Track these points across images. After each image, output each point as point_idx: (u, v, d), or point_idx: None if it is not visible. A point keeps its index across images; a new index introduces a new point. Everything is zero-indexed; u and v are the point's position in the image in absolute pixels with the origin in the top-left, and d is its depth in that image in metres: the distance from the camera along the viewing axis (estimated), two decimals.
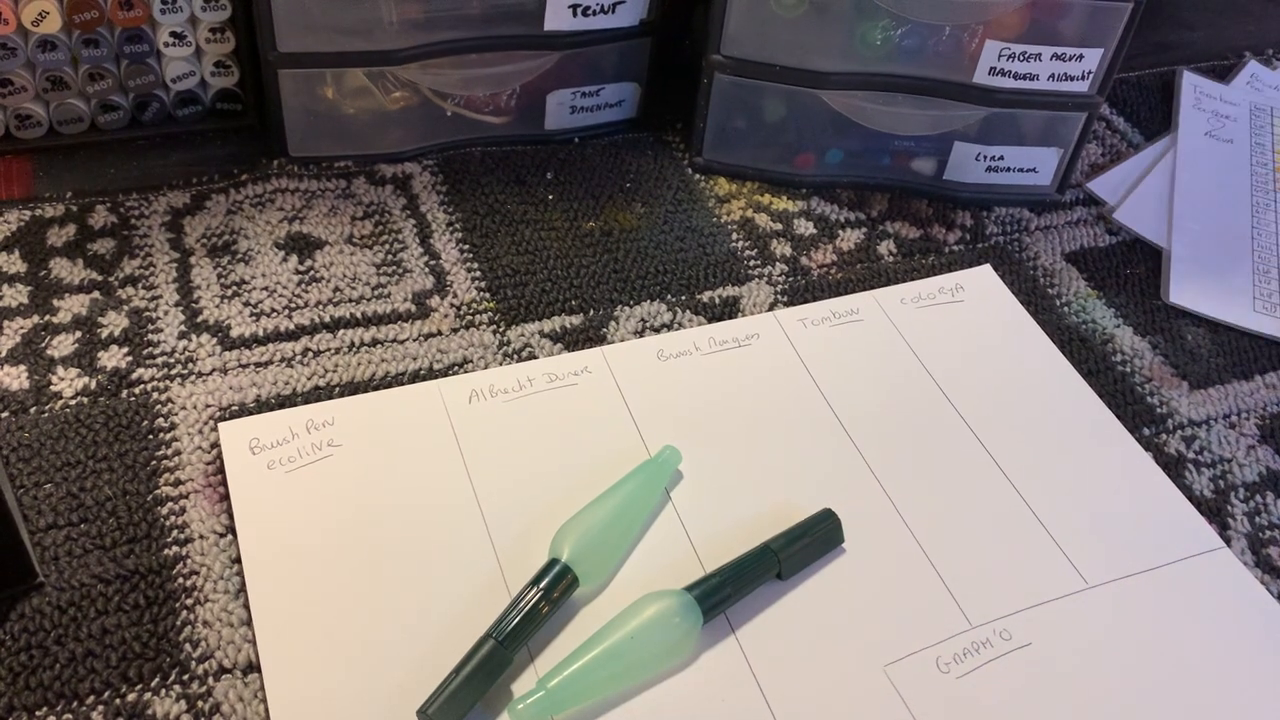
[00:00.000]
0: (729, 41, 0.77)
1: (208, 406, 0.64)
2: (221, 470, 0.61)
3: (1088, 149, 0.89)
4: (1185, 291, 0.76)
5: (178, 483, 0.60)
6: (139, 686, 0.52)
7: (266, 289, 0.71)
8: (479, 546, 0.58)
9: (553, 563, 0.55)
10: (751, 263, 0.77)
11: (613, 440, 0.64)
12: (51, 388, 0.64)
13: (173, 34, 0.76)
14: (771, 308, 0.74)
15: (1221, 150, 0.86)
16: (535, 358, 0.69)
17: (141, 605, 0.55)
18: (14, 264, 0.71)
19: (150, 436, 0.62)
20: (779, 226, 0.80)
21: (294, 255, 0.73)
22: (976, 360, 0.71)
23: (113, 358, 0.66)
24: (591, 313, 0.72)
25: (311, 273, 0.73)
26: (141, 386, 0.65)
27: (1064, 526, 0.62)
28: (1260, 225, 0.79)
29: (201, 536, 0.58)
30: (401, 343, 0.69)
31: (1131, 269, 0.80)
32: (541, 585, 0.54)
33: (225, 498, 0.60)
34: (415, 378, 0.67)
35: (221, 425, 0.62)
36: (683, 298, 0.74)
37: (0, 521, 0.53)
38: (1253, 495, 0.66)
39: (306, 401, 0.65)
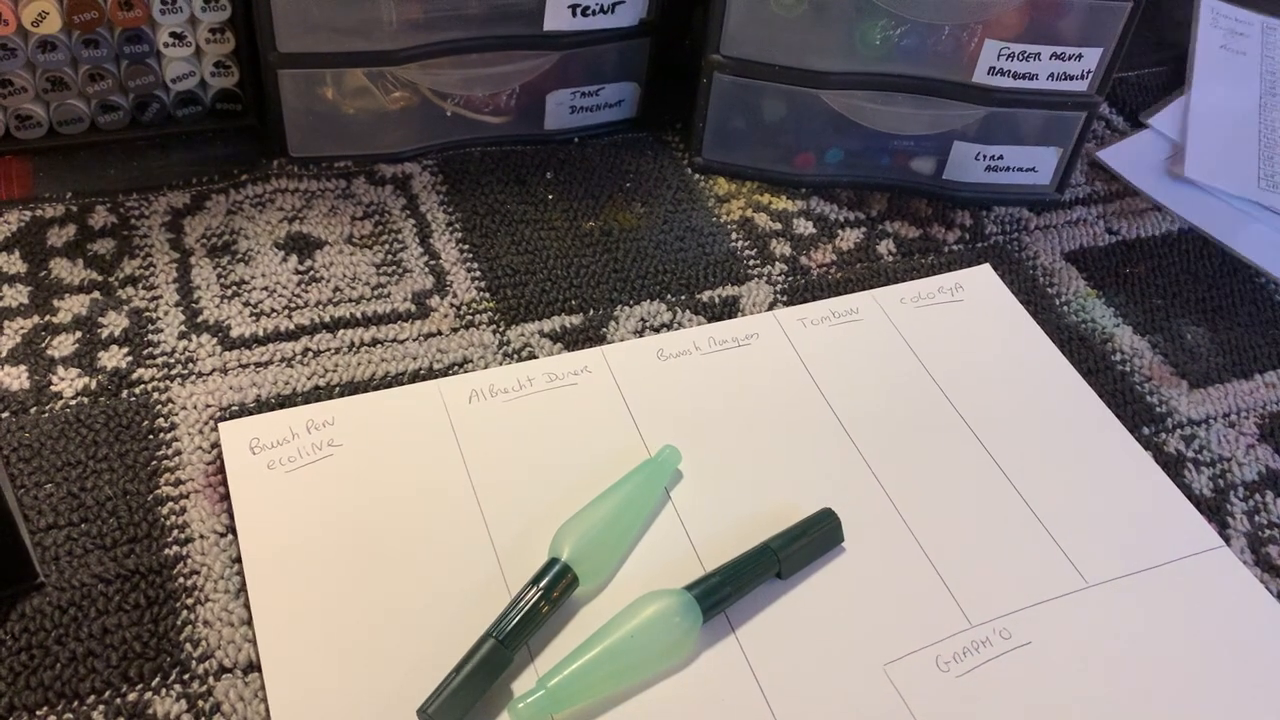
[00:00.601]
0: (728, 41, 0.77)
1: (208, 406, 0.64)
2: (222, 470, 0.61)
3: (1087, 148, 0.89)
4: (1198, 168, 0.84)
5: (178, 482, 0.60)
6: (139, 686, 0.52)
7: (266, 289, 0.71)
8: (479, 546, 0.58)
9: (553, 562, 0.55)
10: (751, 262, 0.77)
11: (612, 440, 0.64)
12: (52, 388, 0.64)
13: (172, 34, 0.76)
14: (771, 307, 0.74)
15: (1235, 60, 0.94)
16: (535, 357, 0.69)
17: (142, 605, 0.55)
18: (14, 264, 0.71)
19: (150, 436, 0.62)
20: (778, 226, 0.80)
21: (294, 255, 0.74)
22: (976, 360, 0.71)
23: (113, 358, 0.66)
24: (591, 312, 0.72)
25: (311, 273, 0.73)
26: (142, 386, 0.65)
27: (1063, 525, 0.62)
28: (1266, 120, 0.87)
29: (202, 536, 0.58)
30: (401, 342, 0.69)
31: (1131, 268, 0.80)
32: (541, 584, 0.54)
33: (225, 497, 0.60)
34: (415, 377, 0.67)
35: (221, 425, 0.63)
36: (682, 297, 0.74)
37: (0, 521, 0.53)
38: (1252, 494, 0.66)
39: (306, 401, 0.65)
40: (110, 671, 0.53)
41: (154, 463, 0.61)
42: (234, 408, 0.64)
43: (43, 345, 0.66)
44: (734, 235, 0.79)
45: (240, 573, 0.57)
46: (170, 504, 0.59)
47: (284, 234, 0.75)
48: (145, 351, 0.67)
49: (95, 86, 0.77)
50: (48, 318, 0.68)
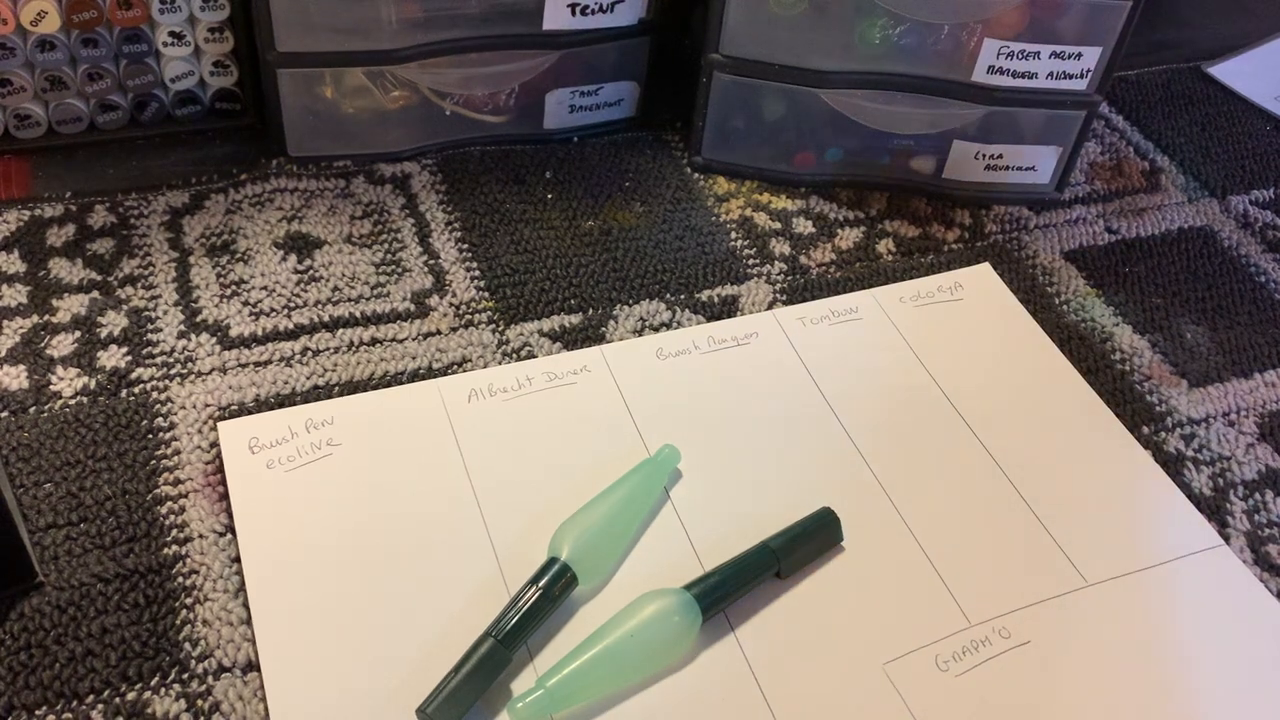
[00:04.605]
0: (728, 40, 0.77)
1: (207, 406, 0.64)
2: (221, 469, 0.61)
3: (1087, 147, 0.89)
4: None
5: (177, 482, 0.60)
6: (139, 685, 0.52)
7: (265, 288, 0.71)
8: (478, 545, 0.58)
9: (552, 561, 0.55)
10: (750, 261, 0.77)
11: (612, 439, 0.64)
12: (51, 387, 0.64)
13: (171, 33, 0.76)
14: (770, 306, 0.74)
15: None
16: (534, 357, 0.69)
17: (141, 604, 0.55)
18: (13, 264, 0.71)
19: (150, 436, 0.62)
20: (778, 225, 0.80)
21: (293, 255, 0.74)
22: (975, 359, 0.71)
23: (112, 357, 0.66)
24: (590, 312, 0.72)
25: (310, 272, 0.73)
26: (141, 386, 0.65)
27: (1063, 524, 0.62)
28: None
29: (201, 536, 0.58)
30: (400, 342, 0.69)
31: (1130, 267, 0.80)
32: (541, 584, 0.54)
33: (225, 497, 0.60)
34: (414, 377, 0.67)
35: (221, 424, 0.63)
36: (682, 296, 0.74)
37: (0, 521, 0.53)
38: (1252, 493, 0.66)
39: (306, 401, 0.65)
40: (109, 671, 0.53)
41: (153, 462, 0.61)
42: (233, 407, 0.64)
43: (42, 345, 0.66)
44: (733, 234, 0.78)
45: (239, 572, 0.57)
46: (169, 503, 0.59)
47: (283, 233, 0.75)
48: (144, 351, 0.67)
49: (94, 86, 0.77)
50: (47, 317, 0.68)
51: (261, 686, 0.53)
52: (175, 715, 0.52)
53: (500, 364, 0.68)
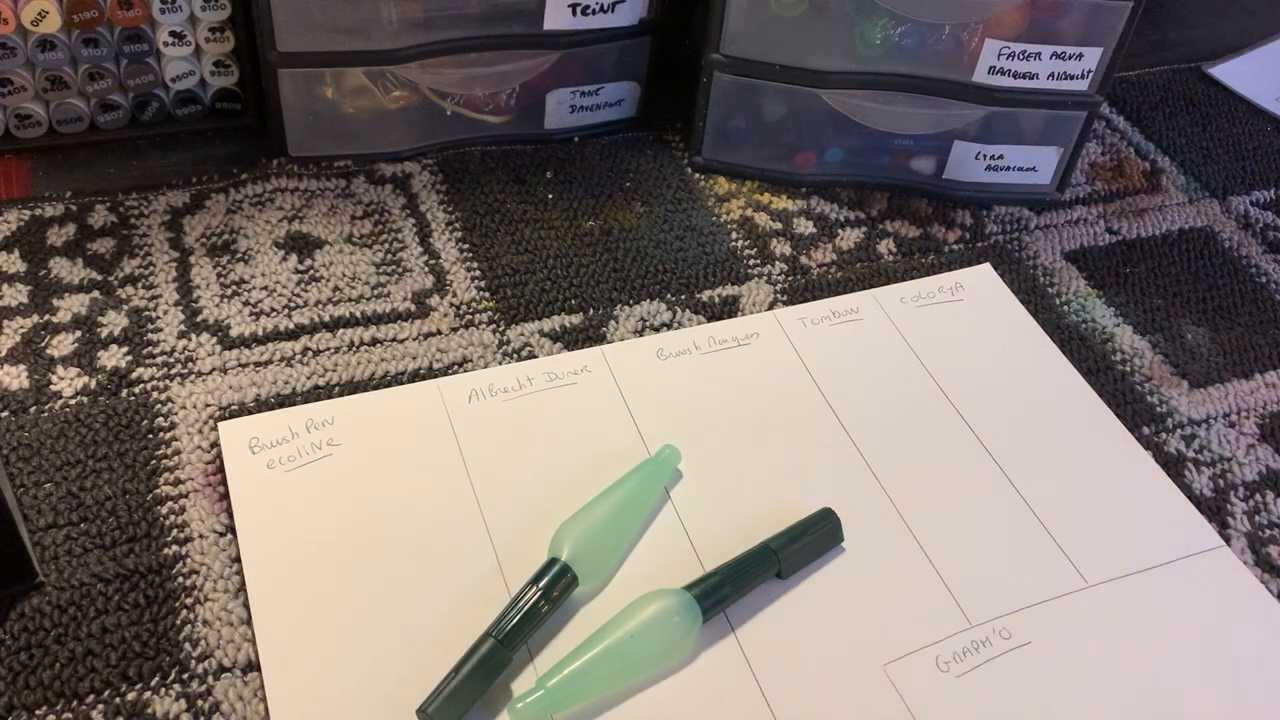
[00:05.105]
0: (729, 40, 0.77)
1: (207, 406, 0.64)
2: (221, 469, 0.61)
3: (1088, 148, 0.89)
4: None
5: (177, 482, 0.60)
6: (139, 685, 0.52)
7: (266, 288, 0.71)
8: (478, 545, 0.58)
9: (552, 562, 0.55)
10: (751, 262, 0.77)
11: (612, 439, 0.64)
12: (51, 387, 0.64)
13: (172, 33, 0.76)
14: (771, 307, 0.74)
15: None
16: (535, 357, 0.69)
17: (141, 604, 0.55)
18: (14, 264, 0.71)
19: (150, 436, 0.62)
20: (778, 226, 0.80)
21: (293, 255, 0.74)
22: (976, 359, 0.71)
23: (112, 357, 0.66)
24: (591, 312, 0.72)
25: (311, 272, 0.73)
26: (141, 386, 0.65)
27: (1063, 525, 0.62)
28: None
29: (201, 536, 0.58)
30: (401, 342, 0.69)
31: (1131, 268, 0.80)
32: (541, 584, 0.54)
33: (225, 497, 0.60)
34: (415, 377, 0.67)
35: (221, 424, 0.63)
36: (682, 297, 0.74)
37: (0, 521, 0.53)
38: (1252, 494, 0.66)
39: (306, 401, 0.65)
40: (109, 671, 0.53)
41: (153, 462, 0.61)
42: (233, 407, 0.64)
43: (42, 344, 0.66)
44: (734, 235, 0.78)
45: (239, 572, 0.57)
46: (170, 503, 0.59)
47: (284, 233, 0.75)
48: (145, 351, 0.67)
49: (95, 86, 0.77)
50: (47, 317, 0.68)
51: (261, 686, 0.53)
52: (175, 715, 0.52)
53: (501, 364, 0.68)
